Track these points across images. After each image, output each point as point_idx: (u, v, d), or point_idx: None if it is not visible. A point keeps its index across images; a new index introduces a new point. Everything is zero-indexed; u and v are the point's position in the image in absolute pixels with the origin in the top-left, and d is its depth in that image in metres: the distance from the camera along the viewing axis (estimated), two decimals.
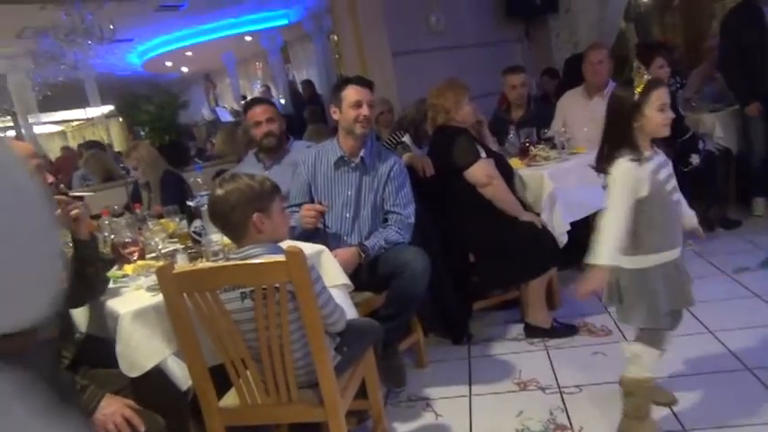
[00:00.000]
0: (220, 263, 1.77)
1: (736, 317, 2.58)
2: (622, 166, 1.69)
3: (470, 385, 2.41)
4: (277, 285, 1.51)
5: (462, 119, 2.80)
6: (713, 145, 3.82)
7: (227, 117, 8.83)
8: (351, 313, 1.98)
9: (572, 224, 2.82)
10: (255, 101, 3.17)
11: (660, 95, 1.72)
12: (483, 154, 2.74)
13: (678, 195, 1.82)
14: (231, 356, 1.62)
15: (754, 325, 2.48)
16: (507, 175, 2.84)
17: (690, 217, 1.91)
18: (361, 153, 2.46)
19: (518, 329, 2.81)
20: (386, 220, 2.48)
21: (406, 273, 2.23)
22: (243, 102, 9.60)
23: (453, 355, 2.71)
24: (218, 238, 2.25)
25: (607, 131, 1.78)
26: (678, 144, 3.60)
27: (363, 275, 2.30)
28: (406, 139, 3.29)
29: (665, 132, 1.74)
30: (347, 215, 2.49)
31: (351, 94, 2.42)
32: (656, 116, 1.71)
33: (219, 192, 1.63)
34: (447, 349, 2.77)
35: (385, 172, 2.48)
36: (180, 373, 1.71)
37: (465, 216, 2.74)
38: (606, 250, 1.66)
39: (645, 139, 1.74)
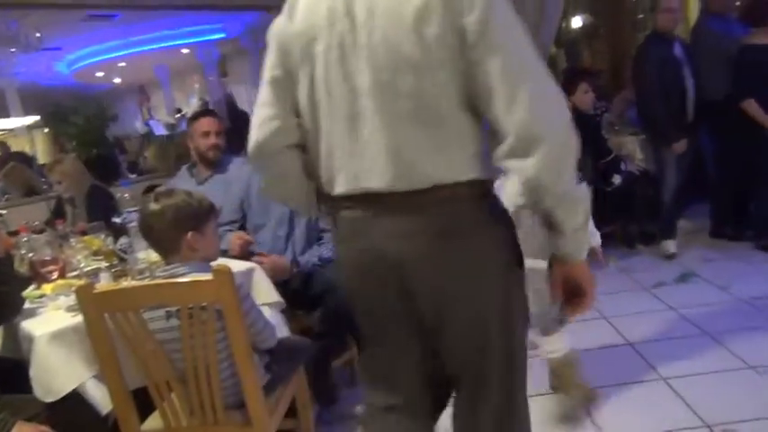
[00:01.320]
0: (145, 281, 1.72)
1: (654, 329, 2.72)
2: None
3: None
4: (204, 305, 1.49)
5: None
6: (634, 167, 4.04)
7: (160, 130, 8.59)
8: (282, 331, 1.98)
9: None
10: (205, 112, 3.12)
11: None
12: None
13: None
14: (155, 378, 1.58)
15: (671, 336, 2.64)
16: None
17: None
18: None
19: None
20: (320, 239, 2.49)
21: (340, 289, 2.22)
22: (178, 115, 9.40)
23: None
24: (144, 255, 2.20)
25: None
26: (601, 165, 3.80)
27: (297, 293, 2.29)
28: None
29: None
30: (281, 233, 2.48)
31: None
32: None
33: (155, 206, 1.59)
34: None
35: None
36: (100, 397, 1.65)
37: None
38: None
39: None
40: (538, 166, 1.03)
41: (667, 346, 2.56)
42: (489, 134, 1.11)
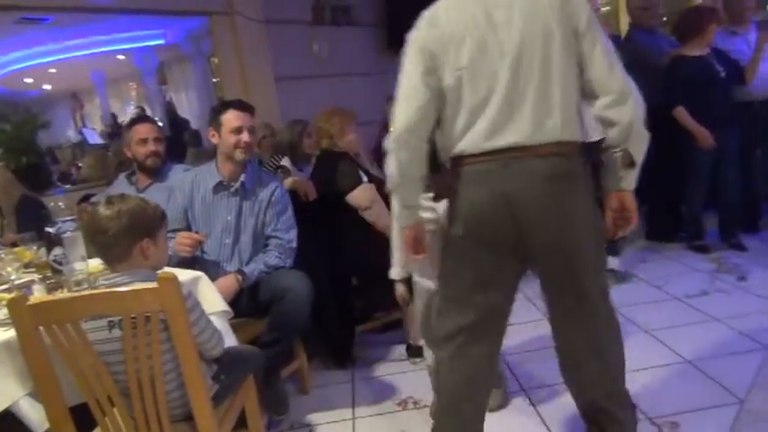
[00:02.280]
0: (84, 291, 1.64)
1: None
2: None
3: (353, 408, 2.41)
4: (148, 314, 1.43)
5: (345, 146, 2.85)
6: None
7: (95, 139, 8.25)
8: (230, 341, 1.92)
9: None
10: (142, 118, 3.02)
11: None
12: (365, 178, 2.79)
13: None
14: (96, 394, 1.50)
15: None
16: (388, 199, 2.90)
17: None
18: (242, 178, 2.41)
19: (401, 350, 2.86)
20: (267, 245, 2.44)
21: (288, 297, 2.19)
22: (113, 123, 9.06)
23: (337, 379, 2.70)
24: (82, 266, 2.09)
25: None
26: None
27: (244, 301, 2.24)
28: (286, 162, 3.27)
29: None
30: (227, 241, 2.42)
31: (231, 119, 2.37)
32: None
33: (108, 210, 1.52)
34: (330, 374, 2.76)
35: (266, 197, 2.44)
36: (35, 416, 1.55)
37: (348, 240, 2.77)
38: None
39: None
40: (631, 111, 1.54)
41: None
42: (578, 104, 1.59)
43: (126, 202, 1.53)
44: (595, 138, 1.83)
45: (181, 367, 1.49)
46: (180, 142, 6.50)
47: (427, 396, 2.40)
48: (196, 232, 2.35)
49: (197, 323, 1.55)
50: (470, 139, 1.58)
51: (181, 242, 2.24)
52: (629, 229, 1.69)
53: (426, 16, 1.63)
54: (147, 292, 1.41)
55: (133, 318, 1.42)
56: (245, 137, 2.37)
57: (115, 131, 8.27)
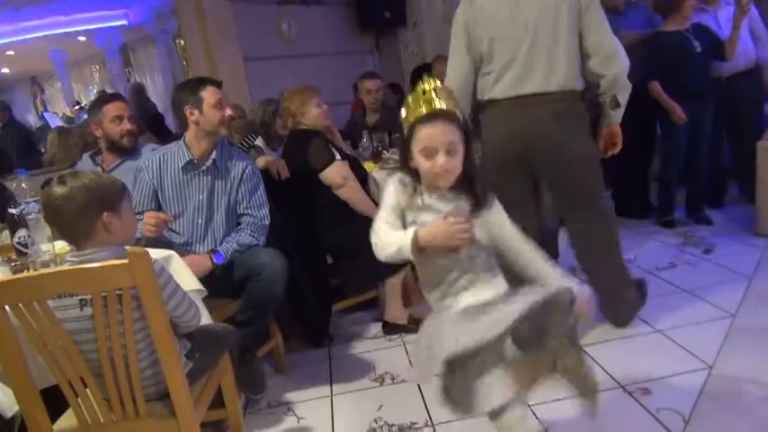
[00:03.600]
0: (52, 269, 1.59)
1: None
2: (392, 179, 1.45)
3: (331, 386, 2.41)
4: (119, 291, 1.39)
5: (310, 122, 2.81)
6: None
7: (57, 123, 8.01)
8: (205, 320, 1.89)
9: None
10: (113, 96, 2.90)
11: (428, 134, 1.33)
12: (338, 156, 2.76)
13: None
14: (68, 375, 1.46)
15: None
16: (361, 177, 2.89)
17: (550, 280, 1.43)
18: (213, 156, 2.36)
19: (377, 328, 2.87)
20: (239, 224, 2.40)
21: (263, 275, 2.17)
22: (77, 107, 8.80)
23: (313, 358, 2.69)
24: (48, 247, 2.04)
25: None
26: None
27: (218, 281, 2.20)
28: (259, 142, 3.22)
29: (438, 182, 1.36)
30: (199, 221, 2.37)
31: (211, 95, 2.31)
32: (420, 161, 1.35)
33: (61, 189, 1.45)
34: (307, 353, 2.75)
35: (237, 174, 2.40)
36: (3, 399, 1.51)
37: (321, 218, 2.74)
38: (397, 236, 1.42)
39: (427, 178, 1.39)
40: (617, 67, 2.21)
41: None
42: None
43: (79, 178, 1.47)
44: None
45: (155, 344, 1.46)
46: (147, 126, 6.32)
47: (404, 371, 2.41)
48: (165, 213, 2.30)
49: (172, 297, 1.52)
50: (499, 89, 2.23)
51: (146, 221, 2.19)
52: (616, 151, 2.39)
53: None
54: (117, 267, 1.37)
55: (104, 295, 1.38)
56: (227, 111, 2.35)
57: (77, 116, 8.03)
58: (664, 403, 1.94)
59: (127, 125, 2.64)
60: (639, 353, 2.30)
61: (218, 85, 2.37)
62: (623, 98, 2.27)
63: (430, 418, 2.06)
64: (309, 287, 2.73)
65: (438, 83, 1.36)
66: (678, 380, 2.06)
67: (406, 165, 1.39)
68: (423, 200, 1.39)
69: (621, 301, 2.45)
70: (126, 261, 1.36)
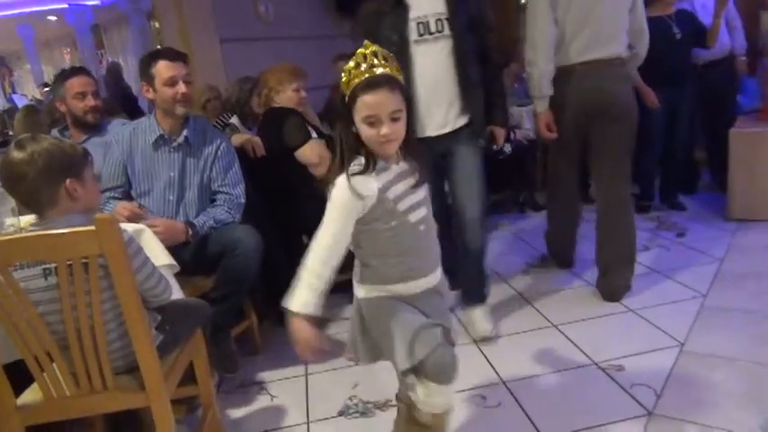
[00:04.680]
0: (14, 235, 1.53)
1: (545, 284, 2.87)
2: (340, 184, 1.31)
3: (306, 365, 2.38)
4: (86, 259, 1.35)
5: (282, 101, 2.76)
6: (523, 135, 4.22)
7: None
8: (177, 295, 1.84)
9: None
10: (76, 70, 2.78)
11: (370, 102, 1.25)
12: (314, 134, 2.73)
13: (425, 215, 1.41)
14: (32, 348, 1.41)
15: (559, 288, 2.80)
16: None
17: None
18: (185, 132, 2.30)
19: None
20: (214, 201, 2.36)
21: (238, 250, 2.13)
22: (46, 89, 8.57)
23: (288, 338, 2.64)
24: (12, 221, 1.98)
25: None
26: None
27: (190, 256, 2.15)
28: (234, 120, 3.17)
29: (384, 151, 1.30)
30: (170, 198, 2.32)
31: (162, 70, 2.23)
32: (363, 129, 1.27)
33: (20, 154, 1.40)
34: (281, 333, 2.67)
35: (212, 151, 2.35)
36: None
37: (297, 197, 2.71)
38: (301, 292, 1.39)
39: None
40: (645, 45, 2.72)
41: (557, 297, 2.71)
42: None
43: (39, 143, 1.42)
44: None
45: (123, 315, 1.42)
46: (122, 107, 6.19)
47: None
48: (140, 206, 2.24)
49: (142, 269, 1.48)
50: (572, 52, 2.57)
51: (119, 211, 2.12)
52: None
53: None
54: (83, 234, 1.32)
55: (70, 263, 1.33)
56: (181, 88, 2.24)
57: (47, 98, 7.82)
58: (637, 379, 1.96)
59: (91, 101, 2.57)
60: (613, 331, 2.33)
61: (173, 58, 2.25)
62: (634, 67, 2.87)
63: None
64: (285, 267, 2.70)
65: (379, 47, 1.28)
66: (651, 357, 2.09)
67: (348, 134, 1.30)
68: (391, 170, 1.34)
69: (626, 271, 2.64)
70: (93, 228, 1.32)
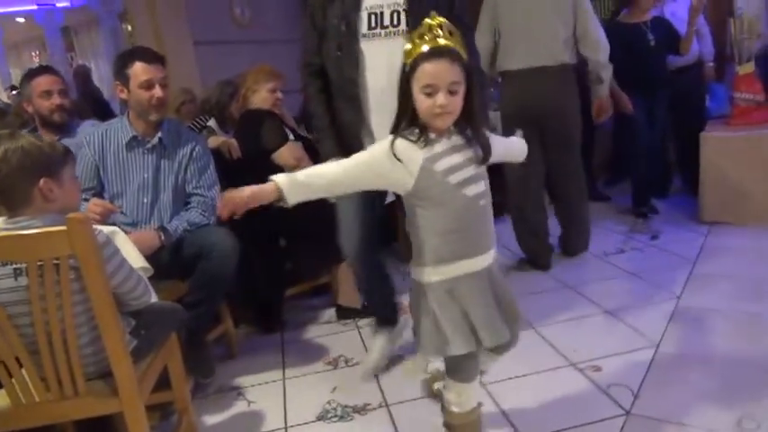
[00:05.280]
0: None
1: (523, 286, 2.87)
2: (385, 141, 1.36)
3: (284, 370, 2.35)
4: (57, 260, 1.31)
5: (257, 102, 2.74)
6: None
7: None
8: (152, 299, 1.80)
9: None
10: (42, 69, 2.71)
11: (429, 71, 1.27)
12: (291, 136, 2.71)
13: (484, 190, 1.41)
14: (1, 353, 1.37)
15: (537, 291, 2.81)
16: (315, 159, 2.83)
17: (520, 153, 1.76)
18: (159, 134, 2.26)
19: (330, 313, 2.82)
20: (188, 203, 2.32)
21: (214, 253, 2.09)
22: (14, 92, 8.36)
23: (265, 343, 2.62)
24: None
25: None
26: None
27: (165, 260, 2.11)
28: (212, 123, 3.12)
29: (437, 124, 1.32)
30: (144, 200, 2.27)
31: (139, 72, 2.18)
32: (420, 99, 1.30)
33: None
34: (258, 338, 2.68)
35: (186, 153, 2.31)
36: None
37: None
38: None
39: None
40: (605, 53, 2.90)
41: (535, 299, 2.73)
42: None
43: (14, 140, 1.38)
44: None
45: (96, 319, 1.38)
46: (92, 111, 6.07)
47: (358, 354, 2.38)
48: (112, 201, 2.19)
49: (118, 271, 1.44)
50: (511, 59, 2.88)
51: (91, 209, 2.07)
52: (606, 117, 3.18)
53: None
54: (55, 234, 1.28)
55: (41, 264, 1.29)
56: (157, 92, 2.19)
57: (14, 102, 7.63)
58: (614, 380, 1.97)
59: (57, 99, 2.50)
60: (590, 332, 2.34)
61: (150, 60, 2.20)
62: (605, 75, 2.98)
63: (384, 399, 2.04)
64: (262, 271, 2.67)
65: (444, 20, 1.30)
66: (627, 357, 2.11)
67: (405, 105, 1.34)
68: (442, 143, 1.34)
69: (583, 231, 3.19)
70: (64, 228, 1.28)
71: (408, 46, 1.32)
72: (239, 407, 2.12)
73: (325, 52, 1.95)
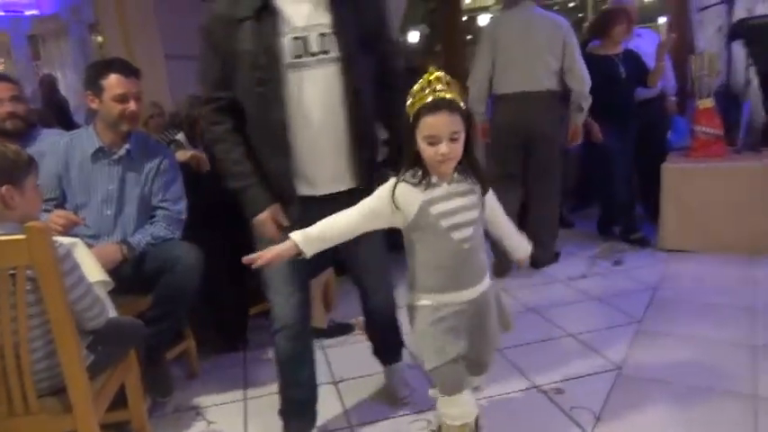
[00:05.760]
0: None
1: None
2: (389, 184, 1.45)
3: (245, 390, 2.31)
4: (13, 270, 1.26)
5: None
6: None
7: None
8: (110, 313, 1.75)
9: None
10: None
11: (432, 123, 1.36)
12: None
13: (471, 234, 1.46)
14: None
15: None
16: None
17: (517, 248, 1.71)
18: (126, 145, 2.22)
19: None
20: (153, 217, 2.27)
21: (178, 266, 2.05)
22: None
23: (227, 362, 2.57)
24: None
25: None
26: None
27: (127, 273, 2.06)
28: (180, 137, 3.09)
29: (441, 170, 1.40)
30: (108, 212, 2.22)
31: (114, 85, 2.14)
32: (423, 147, 1.38)
33: None
34: (220, 357, 2.62)
35: (154, 166, 2.28)
36: None
37: (243, 215, 2.64)
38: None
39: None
40: (587, 86, 3.23)
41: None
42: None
43: None
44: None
45: (52, 332, 1.33)
46: (57, 121, 5.94)
47: (322, 375, 2.35)
48: (75, 213, 2.14)
49: (76, 287, 1.40)
50: (502, 85, 3.25)
51: (54, 220, 2.01)
52: (577, 143, 3.48)
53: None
54: (12, 243, 1.24)
55: None
56: (131, 106, 2.16)
57: None
58: (576, 402, 1.99)
59: (8, 107, 2.41)
60: (553, 355, 2.36)
61: (127, 73, 2.18)
62: (586, 105, 3.28)
63: (348, 421, 2.01)
64: (226, 288, 2.62)
65: (443, 73, 1.39)
66: (589, 380, 2.13)
67: (410, 152, 1.42)
68: (442, 188, 1.44)
69: (548, 245, 3.45)
70: (23, 236, 1.24)
71: (409, 100, 1.40)
72: (198, 427, 2.07)
73: (240, 86, 1.60)
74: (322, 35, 1.58)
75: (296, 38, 1.57)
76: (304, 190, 1.68)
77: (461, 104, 1.39)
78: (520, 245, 1.71)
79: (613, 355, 2.29)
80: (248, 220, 1.75)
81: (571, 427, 1.85)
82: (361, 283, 1.98)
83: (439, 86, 1.37)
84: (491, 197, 1.56)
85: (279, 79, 1.55)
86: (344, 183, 1.69)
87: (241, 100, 1.62)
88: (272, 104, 1.56)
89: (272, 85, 1.55)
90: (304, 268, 1.74)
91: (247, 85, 1.58)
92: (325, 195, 1.67)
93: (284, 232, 1.54)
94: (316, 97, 1.58)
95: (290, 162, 1.63)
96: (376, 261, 1.93)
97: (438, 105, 1.36)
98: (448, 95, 1.37)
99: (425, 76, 1.39)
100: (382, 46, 1.72)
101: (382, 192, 1.46)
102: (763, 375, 2.04)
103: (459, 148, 1.39)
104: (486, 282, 1.55)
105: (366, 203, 1.47)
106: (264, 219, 1.67)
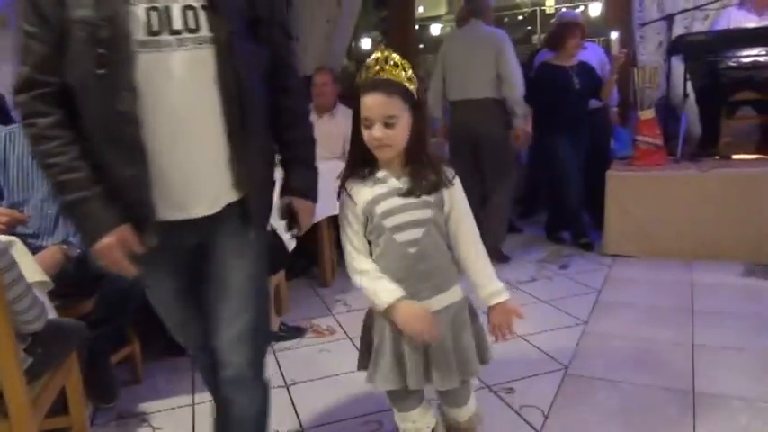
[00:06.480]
0: None
1: None
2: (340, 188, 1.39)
3: (193, 395, 2.24)
4: None
5: None
6: None
7: None
8: (49, 315, 1.68)
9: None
10: None
11: (366, 104, 1.27)
12: None
13: (419, 237, 1.34)
14: None
15: None
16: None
17: (482, 286, 1.47)
18: None
19: None
20: None
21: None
22: None
23: (175, 367, 2.49)
24: None
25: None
26: None
27: (70, 274, 1.97)
28: None
29: (378, 155, 1.31)
30: (49, 211, 2.13)
31: None
32: (363, 131, 1.30)
33: None
34: (167, 362, 2.54)
35: None
36: None
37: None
38: (380, 286, 1.33)
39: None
40: (519, 92, 3.56)
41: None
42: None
43: None
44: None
45: None
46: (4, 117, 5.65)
47: (273, 378, 2.31)
48: (20, 211, 2.04)
49: (14, 287, 1.34)
50: (452, 93, 3.72)
51: None
52: (524, 146, 3.94)
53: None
54: None
55: None
56: None
57: None
58: (525, 401, 2.03)
59: None
60: (503, 356, 2.38)
61: None
62: (519, 111, 3.57)
63: (300, 425, 1.99)
64: None
65: (391, 53, 1.28)
66: (538, 379, 2.18)
67: (355, 138, 1.33)
68: (378, 175, 1.34)
69: (498, 232, 3.74)
70: None
71: (357, 78, 1.32)
72: None
73: (71, 67, 1.17)
74: (189, 9, 1.19)
75: (152, 8, 1.17)
76: (171, 213, 1.22)
77: (407, 88, 1.27)
78: (489, 284, 1.47)
79: (561, 356, 2.35)
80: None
81: (521, 425, 1.89)
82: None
83: (386, 67, 1.26)
84: (457, 191, 1.37)
85: (127, 60, 1.13)
86: (228, 197, 1.27)
87: (74, 85, 1.19)
88: (118, 92, 1.14)
89: (118, 68, 1.13)
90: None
91: (85, 66, 1.15)
92: (180, 221, 1.24)
93: (139, 261, 1.21)
94: (181, 88, 1.18)
95: (140, 170, 1.17)
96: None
97: (375, 85, 1.26)
98: (387, 76, 1.26)
99: (376, 53, 1.30)
100: (273, 33, 1.34)
101: (340, 198, 1.38)
102: (700, 372, 2.13)
103: (397, 135, 1.26)
104: (453, 295, 1.40)
105: (350, 222, 1.35)
106: (109, 245, 1.18)
